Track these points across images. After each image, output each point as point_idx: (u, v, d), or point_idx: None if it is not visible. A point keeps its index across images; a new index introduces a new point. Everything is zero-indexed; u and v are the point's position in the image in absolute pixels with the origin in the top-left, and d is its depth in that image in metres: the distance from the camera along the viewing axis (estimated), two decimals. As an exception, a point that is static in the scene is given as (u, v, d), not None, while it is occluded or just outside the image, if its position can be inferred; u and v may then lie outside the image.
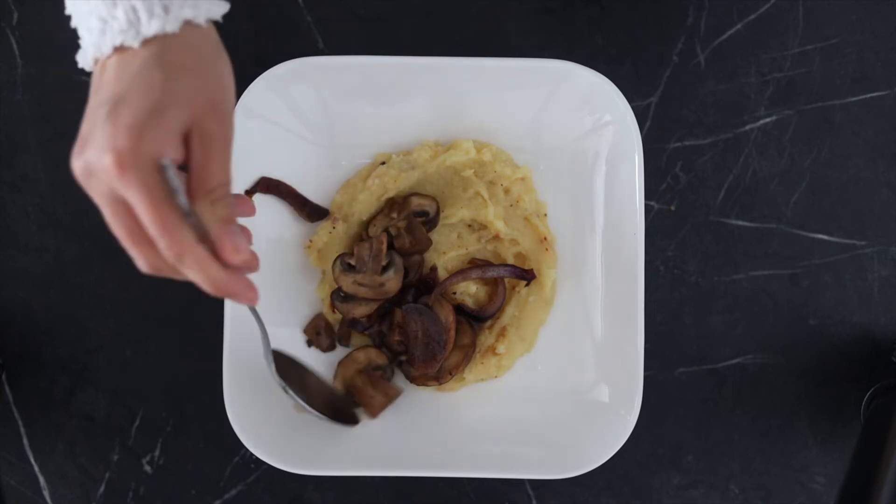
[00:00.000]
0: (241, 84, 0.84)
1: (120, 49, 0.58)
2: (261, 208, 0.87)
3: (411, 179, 0.89)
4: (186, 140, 0.58)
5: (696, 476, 0.95)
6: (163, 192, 0.56)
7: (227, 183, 0.60)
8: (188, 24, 0.59)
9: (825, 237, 0.94)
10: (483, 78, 0.86)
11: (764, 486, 0.94)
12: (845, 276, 0.94)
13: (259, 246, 0.87)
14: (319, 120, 0.88)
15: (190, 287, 0.94)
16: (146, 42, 0.57)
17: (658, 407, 0.94)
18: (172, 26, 0.58)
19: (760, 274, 0.94)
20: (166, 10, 0.58)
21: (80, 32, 0.60)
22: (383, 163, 0.89)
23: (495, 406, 0.90)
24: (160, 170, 0.56)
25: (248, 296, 0.63)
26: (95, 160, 0.55)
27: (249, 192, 0.87)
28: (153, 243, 0.57)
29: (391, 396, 0.89)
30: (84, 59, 0.61)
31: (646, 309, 0.86)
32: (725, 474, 0.95)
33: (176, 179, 0.56)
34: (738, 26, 0.93)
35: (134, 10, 0.57)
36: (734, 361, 0.94)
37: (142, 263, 0.59)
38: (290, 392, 0.82)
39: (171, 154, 0.56)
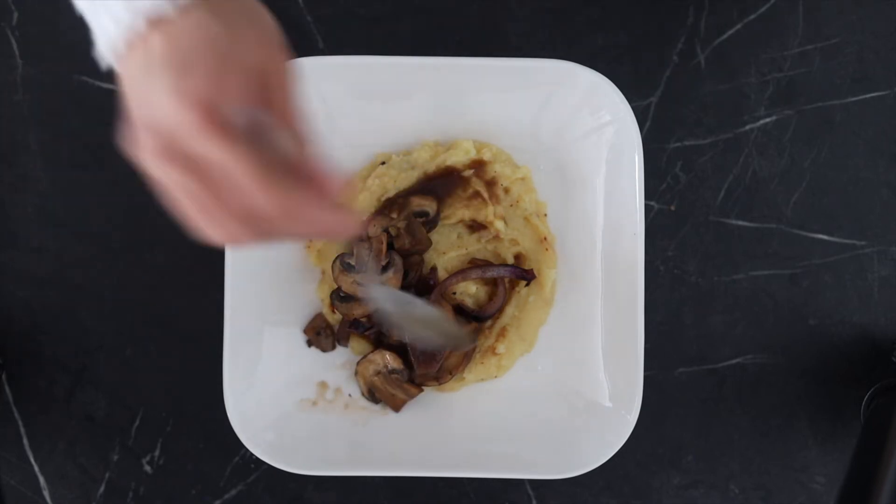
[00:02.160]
0: (241, 84, 0.84)
1: (156, 24, 0.53)
2: (261, 208, 0.87)
3: (411, 179, 0.89)
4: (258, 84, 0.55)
5: (696, 476, 0.95)
6: (257, 144, 0.51)
7: (303, 119, 0.57)
8: None
9: (825, 237, 0.94)
10: (483, 78, 0.86)
11: (764, 486, 0.94)
12: (845, 276, 0.94)
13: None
14: (319, 120, 0.88)
15: (190, 287, 0.94)
16: (184, 7, 0.53)
17: (658, 407, 0.94)
18: None
19: (760, 274, 0.94)
20: None
21: (100, 21, 0.55)
22: (383, 163, 0.89)
23: (495, 406, 0.90)
24: (250, 120, 0.52)
25: (356, 226, 0.57)
26: (175, 124, 0.50)
27: (249, 192, 0.87)
28: (236, 209, 0.52)
29: (412, 395, 0.89)
30: (109, 48, 0.55)
31: (646, 309, 0.86)
32: (725, 474, 0.95)
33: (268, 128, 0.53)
34: (738, 26, 0.93)
35: None
36: (734, 361, 0.94)
37: (220, 234, 0.53)
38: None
39: (254, 102, 0.53)
